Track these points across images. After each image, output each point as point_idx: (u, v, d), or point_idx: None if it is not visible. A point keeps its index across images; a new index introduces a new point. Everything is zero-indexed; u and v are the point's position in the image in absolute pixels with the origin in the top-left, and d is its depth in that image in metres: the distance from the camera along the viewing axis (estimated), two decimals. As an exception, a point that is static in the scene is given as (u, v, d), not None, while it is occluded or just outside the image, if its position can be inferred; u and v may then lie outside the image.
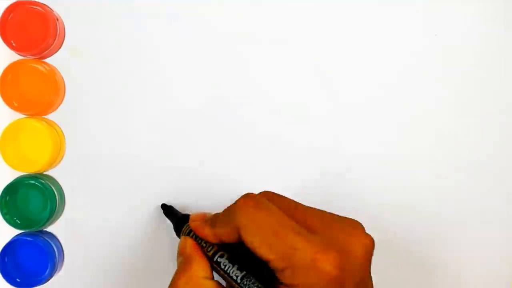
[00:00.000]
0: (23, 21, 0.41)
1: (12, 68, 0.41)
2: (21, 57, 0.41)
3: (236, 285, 0.31)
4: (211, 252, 0.33)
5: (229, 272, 0.31)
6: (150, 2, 0.43)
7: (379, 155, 0.43)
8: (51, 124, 0.42)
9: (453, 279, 0.43)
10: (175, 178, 0.43)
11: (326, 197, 0.42)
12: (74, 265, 0.42)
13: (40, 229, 0.42)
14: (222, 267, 0.32)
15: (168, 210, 0.41)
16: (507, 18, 0.43)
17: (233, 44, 0.43)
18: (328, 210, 0.32)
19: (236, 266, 0.31)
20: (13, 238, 0.41)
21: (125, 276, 0.42)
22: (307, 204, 0.32)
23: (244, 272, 0.31)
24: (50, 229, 0.43)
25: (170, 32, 0.43)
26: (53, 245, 0.41)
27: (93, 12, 0.43)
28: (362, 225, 0.32)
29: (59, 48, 0.43)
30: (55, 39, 0.41)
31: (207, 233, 0.33)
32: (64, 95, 0.43)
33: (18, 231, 0.41)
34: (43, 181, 0.41)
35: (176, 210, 0.41)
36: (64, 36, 0.43)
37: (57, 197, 0.41)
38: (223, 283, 0.33)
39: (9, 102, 0.41)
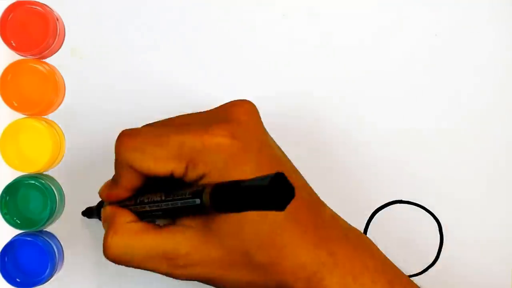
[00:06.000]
0: (23, 21, 0.41)
1: (12, 68, 0.41)
2: (21, 57, 0.42)
3: (165, 206, 0.30)
4: (132, 201, 0.32)
5: (153, 200, 0.30)
6: (151, 2, 0.43)
7: (380, 157, 0.43)
8: (51, 124, 0.42)
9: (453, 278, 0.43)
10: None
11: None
12: (74, 265, 0.42)
13: (40, 229, 0.42)
14: (146, 201, 0.31)
15: (88, 213, 0.41)
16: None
17: (235, 44, 0.43)
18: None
19: (156, 194, 0.30)
20: (13, 238, 0.41)
21: (125, 276, 0.42)
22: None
23: (164, 192, 0.30)
24: (50, 229, 0.43)
25: (171, 32, 0.43)
26: (53, 245, 0.41)
27: (93, 12, 0.43)
28: (240, 100, 0.32)
29: (59, 48, 0.43)
30: (55, 39, 0.41)
31: (115, 192, 0.32)
32: (64, 95, 0.43)
33: (18, 231, 0.41)
34: (43, 181, 0.41)
35: (91, 207, 0.40)
36: (64, 36, 0.43)
37: (57, 197, 0.41)
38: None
39: (9, 102, 0.41)
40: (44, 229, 0.42)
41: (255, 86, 0.43)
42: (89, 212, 0.41)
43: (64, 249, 0.42)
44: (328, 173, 0.43)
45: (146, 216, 0.31)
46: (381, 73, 0.43)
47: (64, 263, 0.42)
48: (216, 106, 0.32)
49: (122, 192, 0.32)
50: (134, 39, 0.43)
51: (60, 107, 0.43)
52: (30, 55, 0.41)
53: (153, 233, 0.30)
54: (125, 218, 0.31)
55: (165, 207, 0.30)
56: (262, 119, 0.32)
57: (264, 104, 0.33)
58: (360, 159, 0.43)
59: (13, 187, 0.40)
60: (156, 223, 0.32)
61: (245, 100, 0.32)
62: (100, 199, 0.36)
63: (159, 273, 0.31)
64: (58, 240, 0.42)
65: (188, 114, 0.32)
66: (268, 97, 0.43)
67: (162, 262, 0.30)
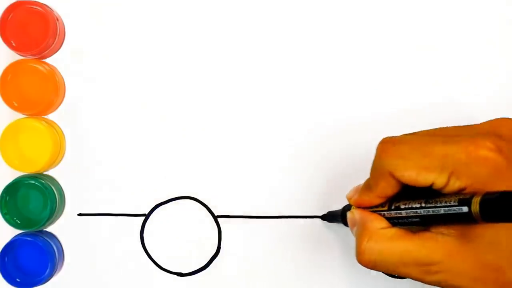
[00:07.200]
0: (23, 21, 0.41)
1: (12, 68, 0.41)
2: (21, 57, 0.42)
3: (425, 213, 0.30)
4: (385, 207, 0.32)
5: (411, 207, 0.30)
6: (151, 2, 0.43)
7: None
8: (51, 124, 0.42)
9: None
10: (175, 178, 0.43)
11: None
12: (74, 265, 0.42)
13: (40, 229, 0.42)
14: (403, 207, 0.31)
15: (329, 217, 0.40)
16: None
17: (234, 44, 0.43)
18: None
19: (414, 201, 0.30)
20: (13, 238, 0.41)
21: (125, 276, 0.42)
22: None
23: (423, 199, 0.30)
24: (50, 229, 0.43)
25: (171, 32, 0.43)
26: (53, 245, 0.41)
27: (93, 12, 0.43)
28: (507, 117, 0.31)
29: (59, 48, 0.43)
30: (55, 39, 0.41)
31: (368, 198, 0.32)
32: (64, 95, 0.43)
33: (18, 231, 0.41)
34: (43, 181, 0.41)
35: (334, 211, 0.40)
36: (64, 36, 0.43)
37: (57, 197, 0.41)
38: None
39: (9, 102, 0.41)
40: (44, 229, 0.42)
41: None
42: (331, 216, 0.40)
43: (64, 249, 0.42)
44: (329, 173, 0.43)
45: (398, 223, 0.31)
46: (376, 72, 0.43)
47: (64, 263, 0.42)
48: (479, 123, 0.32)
49: (375, 199, 0.32)
50: (134, 38, 0.43)
51: (60, 107, 0.43)
52: (30, 55, 0.41)
53: (407, 239, 0.30)
54: (378, 223, 0.31)
55: (424, 213, 0.29)
56: None
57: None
58: (360, 159, 0.43)
59: (13, 187, 0.40)
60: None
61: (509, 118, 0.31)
62: (346, 204, 0.36)
63: (409, 278, 0.31)
64: (58, 240, 0.42)
65: (451, 126, 0.32)
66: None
67: (415, 268, 0.30)
